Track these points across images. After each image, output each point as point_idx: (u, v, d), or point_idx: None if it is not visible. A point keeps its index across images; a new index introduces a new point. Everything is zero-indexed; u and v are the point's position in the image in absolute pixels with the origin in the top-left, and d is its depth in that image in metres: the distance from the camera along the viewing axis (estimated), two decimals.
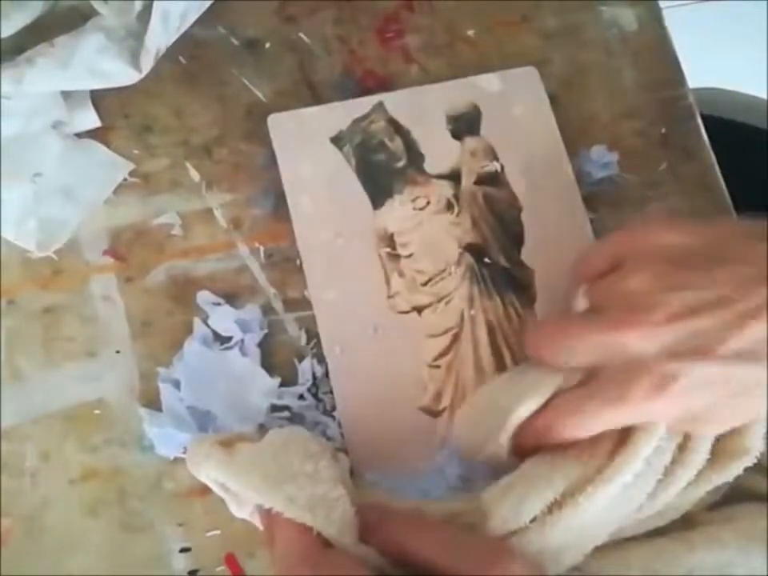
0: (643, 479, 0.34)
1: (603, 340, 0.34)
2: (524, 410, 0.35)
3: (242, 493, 0.33)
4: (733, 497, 0.37)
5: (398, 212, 0.43)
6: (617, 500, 0.34)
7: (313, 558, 0.32)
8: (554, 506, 0.33)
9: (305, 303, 0.42)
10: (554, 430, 0.34)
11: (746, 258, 0.33)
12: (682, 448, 0.35)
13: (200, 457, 0.34)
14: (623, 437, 0.34)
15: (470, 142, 0.45)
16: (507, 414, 0.35)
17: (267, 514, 0.33)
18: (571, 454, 0.34)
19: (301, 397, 0.40)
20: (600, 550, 0.35)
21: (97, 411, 0.40)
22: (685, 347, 0.32)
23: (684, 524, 0.36)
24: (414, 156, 0.44)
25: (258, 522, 0.36)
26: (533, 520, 0.33)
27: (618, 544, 0.36)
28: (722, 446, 0.35)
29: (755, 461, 0.35)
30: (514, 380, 0.38)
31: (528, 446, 0.35)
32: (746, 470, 0.35)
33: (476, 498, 0.35)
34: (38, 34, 0.41)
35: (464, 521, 0.34)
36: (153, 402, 0.40)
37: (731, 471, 0.35)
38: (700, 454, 0.35)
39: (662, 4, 0.48)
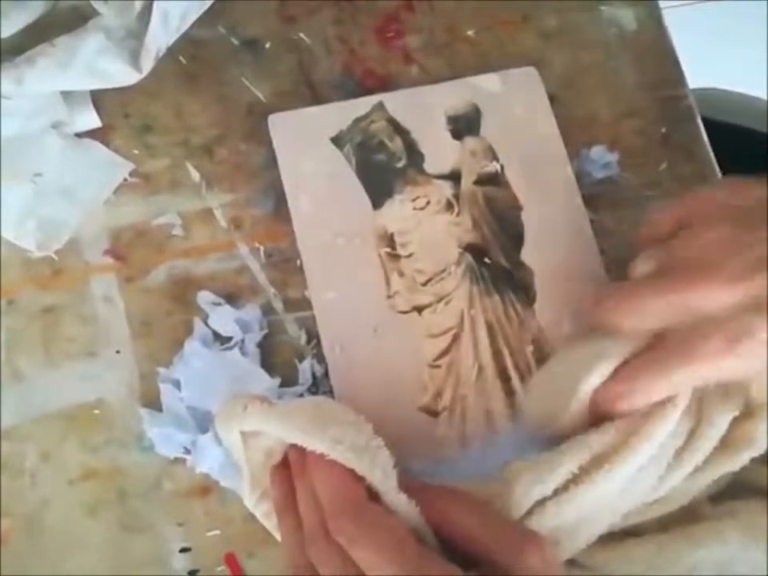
0: (657, 461, 0.34)
1: (675, 299, 0.34)
2: (595, 377, 0.35)
3: (285, 435, 0.33)
4: (735, 489, 0.37)
5: (397, 212, 0.43)
6: (631, 480, 0.34)
7: (357, 508, 0.31)
8: (571, 483, 0.34)
9: (305, 303, 0.42)
10: (627, 397, 0.34)
11: None
12: (693, 433, 0.35)
13: (237, 409, 0.34)
14: (641, 418, 0.34)
15: (470, 142, 0.45)
16: (578, 384, 0.35)
17: (299, 457, 0.33)
18: (589, 432, 0.35)
19: (301, 396, 0.40)
20: (603, 545, 0.35)
21: (97, 411, 0.40)
22: (753, 304, 0.32)
23: (687, 518, 0.36)
24: (414, 156, 0.44)
25: (261, 516, 0.36)
26: (551, 496, 0.33)
27: (621, 539, 0.36)
28: (731, 435, 0.35)
29: (762, 451, 0.35)
30: (580, 350, 0.37)
31: (602, 416, 0.35)
32: (750, 461, 0.36)
33: (503, 482, 0.35)
34: (38, 34, 0.41)
35: (494, 505, 0.34)
36: (153, 402, 0.40)
37: (738, 460, 0.36)
38: (710, 440, 0.35)
39: (662, 4, 0.48)
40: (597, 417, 0.36)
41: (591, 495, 0.33)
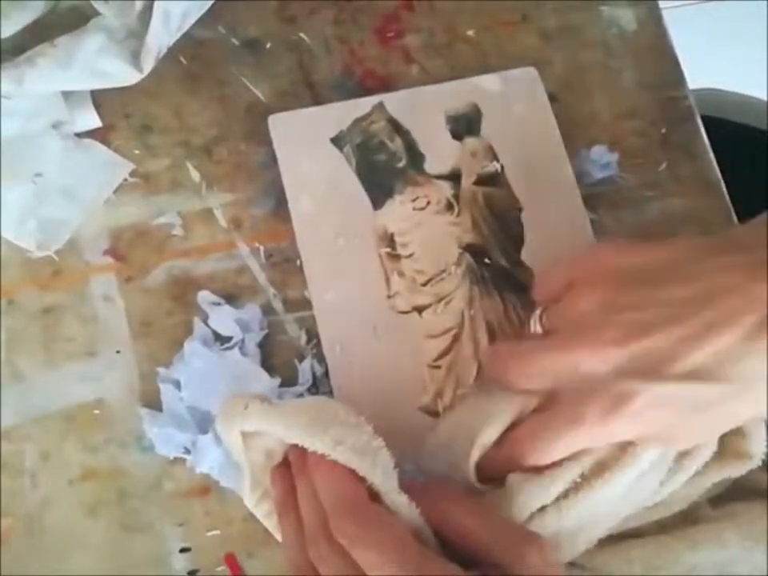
0: (658, 467, 0.34)
1: (555, 361, 0.34)
2: (485, 439, 0.35)
3: (286, 435, 0.33)
4: (735, 491, 0.37)
5: (398, 212, 0.43)
6: (632, 486, 0.34)
7: (359, 509, 0.31)
8: (571, 490, 0.33)
9: (305, 303, 0.42)
10: (517, 458, 0.34)
11: (693, 276, 0.33)
12: None
13: (238, 408, 0.34)
14: None
15: (470, 142, 0.45)
16: (470, 444, 0.35)
17: (300, 457, 0.33)
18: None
19: (301, 396, 0.40)
20: (603, 545, 0.35)
21: (97, 411, 0.40)
22: (637, 367, 0.32)
23: (686, 520, 0.36)
24: (414, 156, 0.44)
25: (261, 516, 0.36)
26: (551, 502, 0.33)
27: (621, 540, 0.36)
28: (727, 448, 0.35)
29: (760, 463, 0.35)
30: (475, 407, 0.37)
31: (496, 472, 0.35)
32: None
33: (504, 489, 0.35)
34: (39, 33, 0.41)
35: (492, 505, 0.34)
36: (153, 402, 0.40)
37: (736, 469, 0.36)
38: (711, 445, 0.35)
39: (661, 4, 0.48)
40: (493, 474, 0.35)
41: (591, 502, 0.33)
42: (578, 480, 0.34)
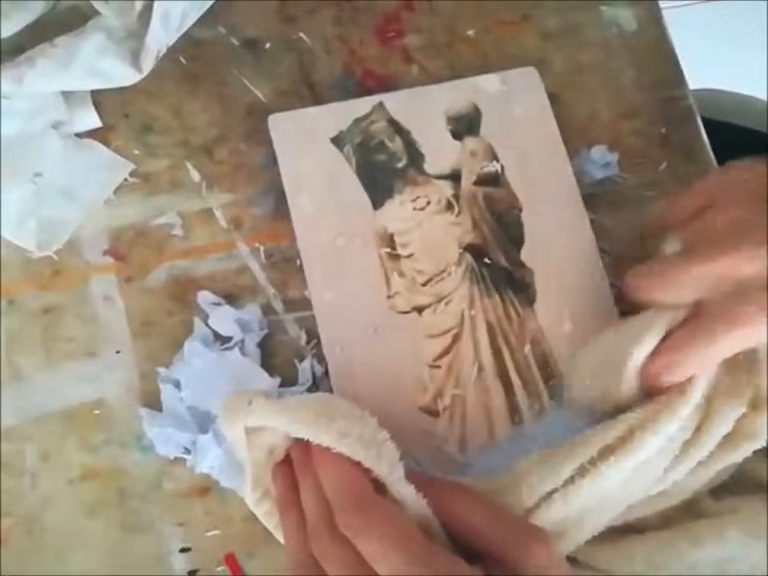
0: (663, 454, 0.35)
1: (703, 270, 0.35)
2: (640, 353, 0.35)
3: (291, 429, 0.33)
4: (736, 484, 0.37)
5: (398, 212, 0.43)
6: (637, 471, 0.34)
7: (364, 500, 0.32)
8: (577, 475, 0.34)
9: (305, 303, 0.42)
10: (672, 369, 0.35)
11: None
12: (700, 428, 0.35)
13: (242, 404, 0.34)
14: (651, 411, 0.35)
15: (470, 142, 0.45)
16: (625, 359, 0.35)
17: (303, 452, 0.34)
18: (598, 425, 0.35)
19: None
20: (605, 542, 0.35)
21: (97, 411, 0.40)
22: None
23: (688, 514, 0.36)
24: (414, 156, 0.44)
25: (261, 515, 0.36)
26: (558, 488, 0.34)
27: (622, 536, 0.36)
28: (734, 428, 0.36)
29: (763, 443, 0.36)
30: (621, 330, 0.37)
31: (649, 388, 0.36)
32: (752, 454, 0.36)
33: (510, 477, 0.35)
34: (39, 34, 0.41)
35: (501, 500, 0.34)
36: (153, 402, 0.40)
37: (740, 452, 0.36)
38: (717, 435, 0.35)
39: (662, 4, 0.48)
40: (648, 391, 0.36)
41: (597, 487, 0.34)
42: (585, 465, 0.34)
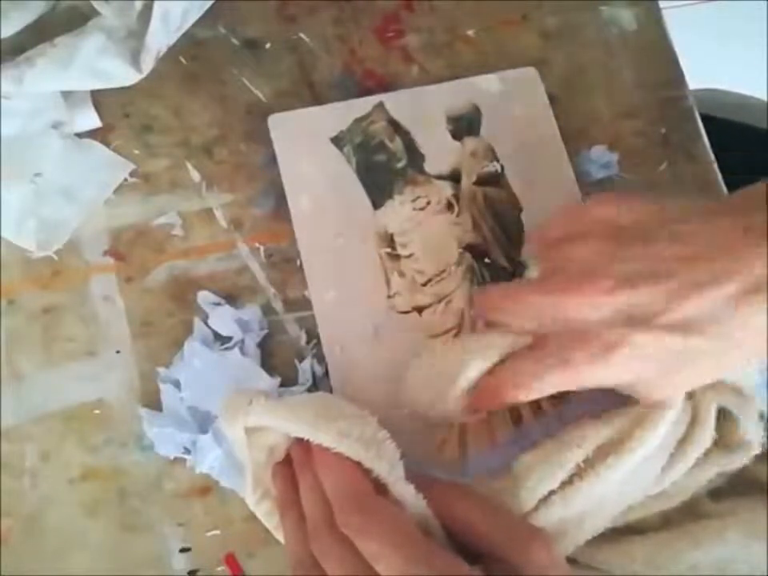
0: (660, 452, 0.35)
1: (547, 303, 0.34)
2: (473, 371, 0.35)
3: (292, 428, 0.33)
4: (736, 485, 0.37)
5: (398, 212, 0.43)
6: (635, 470, 0.34)
7: (364, 500, 0.32)
8: (576, 476, 0.34)
9: (305, 303, 0.42)
10: (502, 392, 0.35)
11: (685, 235, 0.33)
12: (692, 424, 0.35)
13: (242, 403, 0.34)
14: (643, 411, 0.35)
15: (470, 142, 0.45)
16: (457, 376, 0.35)
17: (303, 452, 0.34)
18: (589, 425, 0.35)
19: None
20: (604, 543, 0.35)
21: (97, 411, 0.40)
22: (625, 317, 0.33)
23: (688, 515, 0.36)
24: (414, 156, 0.44)
25: (261, 515, 0.36)
26: (556, 489, 0.34)
27: (622, 537, 0.36)
28: (724, 438, 0.36)
29: (759, 451, 0.36)
30: (464, 343, 0.37)
31: (482, 404, 0.36)
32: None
33: (509, 479, 0.35)
34: (38, 34, 0.41)
35: (501, 502, 0.34)
36: (153, 402, 0.40)
37: (736, 458, 0.36)
38: (708, 430, 0.35)
39: (661, 4, 0.48)
40: (472, 409, 0.36)
41: (596, 487, 0.34)
42: (582, 465, 0.34)
